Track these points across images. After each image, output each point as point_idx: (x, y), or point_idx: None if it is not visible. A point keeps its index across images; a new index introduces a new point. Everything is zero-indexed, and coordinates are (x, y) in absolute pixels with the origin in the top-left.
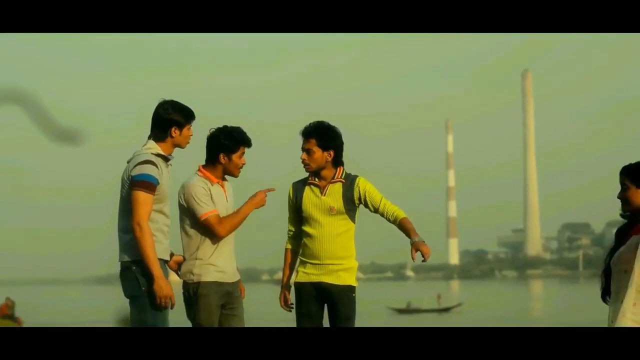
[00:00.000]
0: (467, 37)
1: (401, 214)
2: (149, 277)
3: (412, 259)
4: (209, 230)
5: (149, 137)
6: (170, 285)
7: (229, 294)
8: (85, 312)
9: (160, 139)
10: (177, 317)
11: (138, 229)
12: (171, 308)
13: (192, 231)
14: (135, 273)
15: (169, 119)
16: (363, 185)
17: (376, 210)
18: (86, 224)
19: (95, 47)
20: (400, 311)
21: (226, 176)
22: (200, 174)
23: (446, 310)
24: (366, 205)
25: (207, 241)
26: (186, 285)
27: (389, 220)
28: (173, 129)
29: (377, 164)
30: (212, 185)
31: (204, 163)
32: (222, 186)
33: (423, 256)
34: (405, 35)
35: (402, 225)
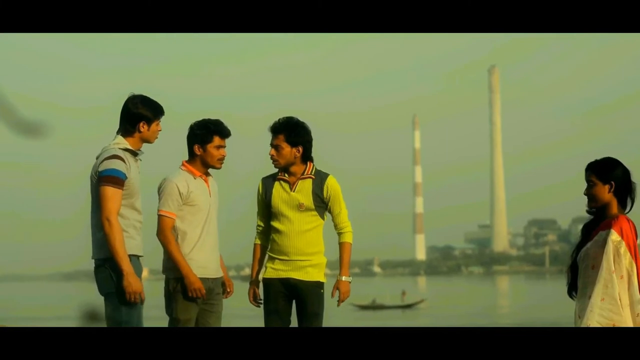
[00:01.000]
0: (437, 36)
1: (347, 236)
2: (119, 273)
3: (332, 295)
4: (186, 224)
5: (117, 132)
6: (141, 281)
7: (209, 290)
8: (51, 308)
9: (129, 133)
10: (157, 313)
11: (107, 224)
12: (141, 303)
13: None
14: (109, 270)
15: (138, 114)
16: (332, 187)
17: (331, 214)
18: (52, 217)
19: (77, 42)
20: (364, 307)
21: (210, 171)
22: (183, 168)
23: (409, 306)
24: (326, 207)
25: (188, 235)
26: (167, 280)
27: (335, 229)
28: (141, 124)
29: (344, 161)
30: (195, 178)
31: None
32: (206, 181)
33: (338, 298)
34: (374, 35)
35: (341, 251)
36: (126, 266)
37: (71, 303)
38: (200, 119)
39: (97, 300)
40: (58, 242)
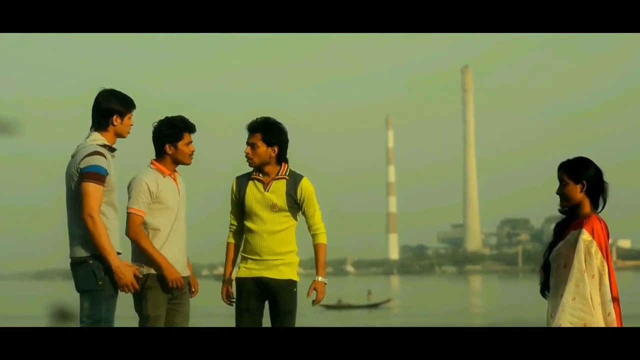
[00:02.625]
0: (412, 40)
1: (322, 237)
2: (106, 270)
3: (307, 294)
4: (156, 223)
5: (91, 129)
6: (132, 269)
7: (177, 288)
8: (21, 307)
9: (102, 127)
10: (122, 312)
11: (90, 221)
12: (135, 292)
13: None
14: (92, 267)
15: (110, 108)
16: (306, 188)
17: (304, 216)
18: (26, 211)
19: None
20: (329, 307)
21: (178, 168)
22: (152, 166)
23: (375, 306)
24: (300, 208)
25: (158, 233)
26: (135, 277)
27: (308, 231)
28: (114, 118)
29: (318, 160)
30: (164, 177)
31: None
32: (174, 179)
33: (314, 299)
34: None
35: (316, 252)
36: (115, 260)
37: (41, 302)
38: (162, 118)
39: (67, 299)
40: (31, 240)
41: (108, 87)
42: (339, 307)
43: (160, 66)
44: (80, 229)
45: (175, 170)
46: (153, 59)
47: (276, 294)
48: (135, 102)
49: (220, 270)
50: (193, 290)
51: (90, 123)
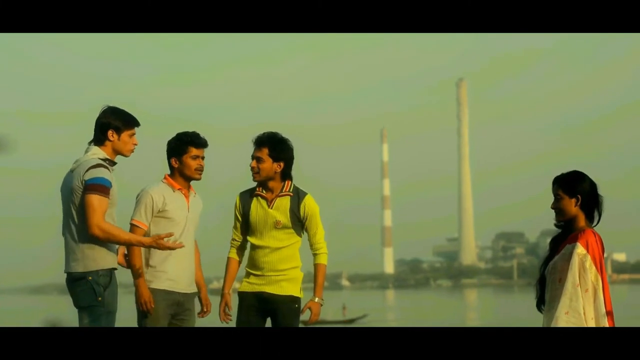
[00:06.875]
0: (410, 53)
1: (322, 258)
2: (105, 286)
3: (301, 312)
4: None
5: (90, 143)
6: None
7: (180, 305)
8: (14, 322)
9: (100, 142)
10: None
11: (99, 231)
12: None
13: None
14: (91, 283)
15: (106, 122)
16: (309, 206)
17: (307, 234)
18: (21, 225)
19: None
20: (304, 323)
21: (194, 187)
22: (164, 180)
23: (351, 321)
24: (302, 225)
25: None
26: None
27: (310, 249)
28: (110, 132)
29: (313, 173)
30: (174, 192)
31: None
32: (186, 195)
33: (309, 318)
34: (345, 50)
35: (315, 272)
36: (145, 241)
37: (37, 317)
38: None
39: (64, 315)
40: (26, 253)
41: (105, 101)
42: (315, 322)
43: (157, 79)
44: (81, 244)
45: (189, 187)
46: (150, 71)
47: (277, 309)
48: (139, 121)
49: (215, 284)
50: (205, 310)
51: (89, 136)
